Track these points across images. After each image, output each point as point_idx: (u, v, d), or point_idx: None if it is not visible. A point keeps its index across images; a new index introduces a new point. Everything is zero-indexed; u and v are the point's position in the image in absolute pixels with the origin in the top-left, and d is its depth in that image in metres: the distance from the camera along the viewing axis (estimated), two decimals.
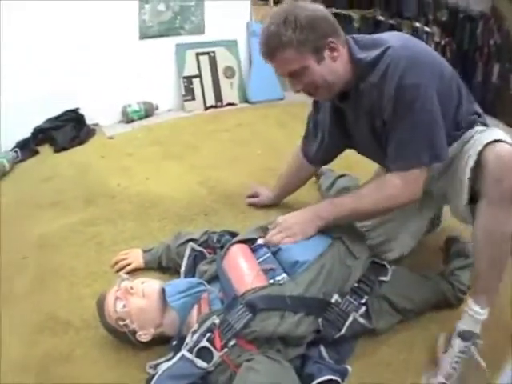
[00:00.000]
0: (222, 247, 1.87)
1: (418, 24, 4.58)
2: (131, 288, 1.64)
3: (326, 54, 1.67)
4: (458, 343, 1.59)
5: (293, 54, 1.65)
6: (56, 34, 3.71)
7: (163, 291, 1.63)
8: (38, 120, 3.82)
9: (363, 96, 1.74)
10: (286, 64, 1.69)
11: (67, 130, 3.80)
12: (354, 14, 5.24)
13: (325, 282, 1.61)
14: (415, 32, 4.57)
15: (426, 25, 4.60)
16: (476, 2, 4.30)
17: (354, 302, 1.65)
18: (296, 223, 1.78)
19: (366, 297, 1.67)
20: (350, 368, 1.54)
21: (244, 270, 1.66)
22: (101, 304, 1.68)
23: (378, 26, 5.01)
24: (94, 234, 2.43)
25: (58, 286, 2.10)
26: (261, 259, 1.70)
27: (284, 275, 1.63)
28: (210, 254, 1.94)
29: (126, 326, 1.61)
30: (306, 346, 1.56)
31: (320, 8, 1.69)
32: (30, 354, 1.77)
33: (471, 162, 1.54)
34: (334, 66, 1.69)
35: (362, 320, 1.65)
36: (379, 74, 1.65)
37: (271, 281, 1.61)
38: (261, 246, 1.76)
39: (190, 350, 1.46)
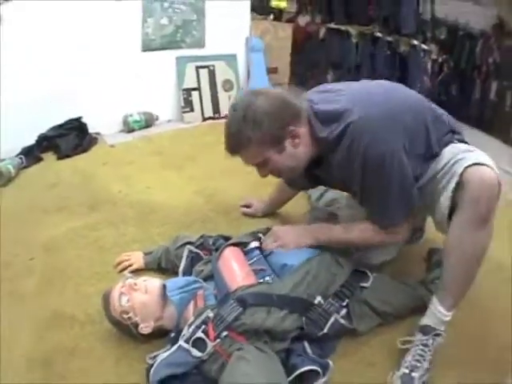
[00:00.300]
0: (216, 249, 2.03)
1: (415, 42, 4.60)
2: (135, 284, 1.80)
3: (288, 142, 1.78)
4: (419, 336, 1.73)
5: (254, 150, 1.78)
6: (62, 45, 3.84)
7: (164, 287, 1.79)
8: (42, 128, 3.92)
9: (332, 167, 1.85)
10: (249, 158, 1.84)
11: (70, 138, 3.89)
12: (353, 30, 5.27)
13: (309, 284, 1.77)
14: (413, 48, 4.63)
15: (424, 42, 4.62)
16: (477, 21, 4.35)
17: (336, 304, 1.79)
18: (290, 235, 1.95)
19: (347, 300, 1.82)
20: (331, 362, 1.66)
21: (236, 270, 1.82)
22: (106, 299, 1.83)
23: (376, 43, 5.06)
24: (97, 238, 2.55)
25: (64, 285, 2.23)
26: (252, 261, 1.88)
27: (273, 276, 1.80)
28: (205, 255, 2.10)
29: (129, 318, 1.76)
30: (290, 341, 1.70)
31: (279, 95, 1.79)
32: (38, 348, 1.90)
33: (453, 184, 1.63)
34: (295, 152, 1.81)
35: (342, 321, 1.79)
36: (344, 150, 1.73)
37: (261, 280, 1.77)
38: (253, 249, 1.93)
39: (187, 341, 1.61)
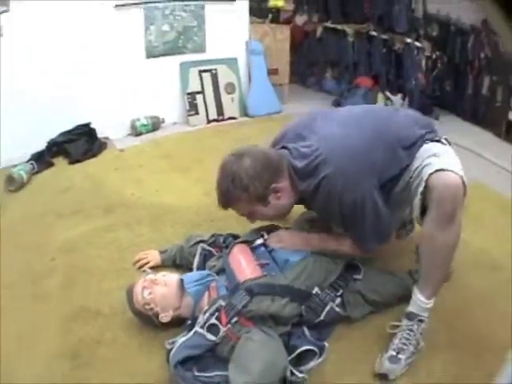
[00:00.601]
0: (226, 247, 2.25)
1: (409, 40, 4.71)
2: (155, 279, 2.03)
3: (271, 197, 2.04)
4: (405, 322, 1.92)
5: (242, 207, 2.07)
6: (70, 53, 3.98)
7: (181, 281, 2.02)
8: (50, 134, 4.03)
9: (313, 207, 2.17)
10: (238, 211, 2.13)
11: (80, 144, 4.00)
12: (349, 29, 5.39)
13: (308, 277, 1.99)
14: (407, 46, 4.75)
15: (417, 40, 4.71)
16: (467, 16, 4.42)
17: (331, 294, 2.02)
18: (291, 239, 2.17)
19: (341, 290, 2.04)
20: (327, 344, 1.90)
21: (244, 265, 2.04)
22: (130, 292, 2.05)
23: (371, 41, 5.19)
24: (115, 238, 2.73)
25: (86, 283, 2.41)
26: (258, 256, 2.09)
27: (276, 269, 2.02)
28: (217, 252, 2.32)
29: (151, 309, 1.98)
30: (292, 326, 1.93)
31: (261, 156, 2.02)
32: (65, 341, 2.08)
33: (421, 188, 1.82)
34: (279, 203, 2.07)
35: (337, 309, 2.02)
36: (321, 199, 1.97)
37: (265, 273, 1.99)
38: (259, 245, 2.14)
39: (202, 326, 1.84)
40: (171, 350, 1.83)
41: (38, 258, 2.64)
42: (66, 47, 3.98)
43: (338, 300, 2.02)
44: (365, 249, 2.07)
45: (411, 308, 1.93)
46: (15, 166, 3.65)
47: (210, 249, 2.35)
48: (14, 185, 3.48)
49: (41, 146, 3.99)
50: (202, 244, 2.36)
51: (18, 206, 3.27)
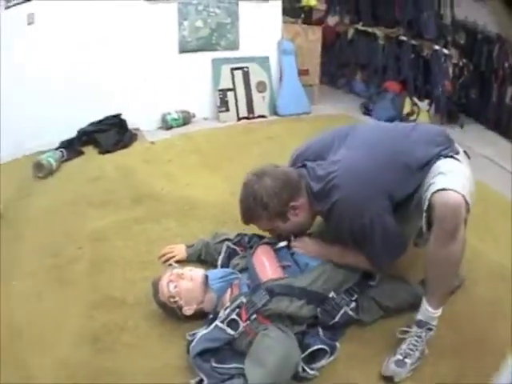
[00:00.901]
0: (251, 247, 2.35)
1: (437, 46, 4.72)
2: (182, 274, 2.12)
3: (290, 214, 2.14)
4: (414, 329, 1.98)
5: (263, 223, 2.19)
6: (104, 45, 4.13)
7: (206, 277, 2.10)
8: (80, 122, 4.13)
9: (328, 226, 2.24)
10: (259, 227, 2.26)
11: (111, 134, 4.09)
12: (379, 32, 5.42)
13: (325, 281, 2.07)
14: (435, 52, 4.76)
15: (445, 47, 4.74)
16: (493, 23, 4.44)
17: (347, 299, 2.10)
18: (313, 247, 2.23)
19: (356, 296, 2.12)
20: (338, 344, 1.99)
21: (266, 265, 2.12)
22: (156, 285, 2.14)
23: (400, 46, 5.20)
24: (142, 231, 2.80)
25: (112, 272, 2.49)
26: (281, 257, 2.17)
27: (297, 271, 2.11)
28: (241, 251, 2.41)
29: (175, 302, 2.08)
30: (307, 326, 2.02)
31: (281, 176, 2.13)
32: (87, 325, 2.17)
33: (425, 206, 1.89)
34: (297, 220, 2.17)
35: (351, 312, 2.09)
36: (334, 220, 2.08)
37: (286, 275, 2.07)
38: (282, 247, 2.21)
39: (222, 321, 1.92)
40: (191, 341, 1.93)
41: (66, 245, 2.71)
42: (99, 38, 4.10)
43: (353, 304, 2.10)
44: (377, 267, 2.16)
45: (420, 316, 1.99)
46: (43, 152, 3.72)
47: (235, 247, 2.44)
48: (43, 171, 3.55)
49: (69, 134, 4.07)
50: (227, 242, 2.45)
51: (47, 193, 3.34)
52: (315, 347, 1.94)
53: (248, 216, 2.18)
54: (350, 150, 2.10)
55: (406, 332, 1.99)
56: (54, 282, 2.43)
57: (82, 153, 3.96)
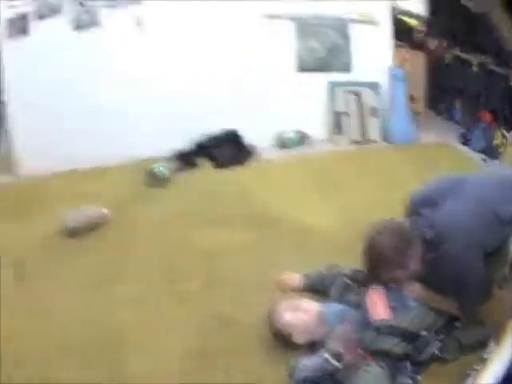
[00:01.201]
0: (364, 284, 2.44)
1: None
2: (299, 305, 2.31)
3: (407, 262, 2.28)
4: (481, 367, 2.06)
5: (386, 275, 2.29)
6: (223, 60, 4.33)
7: (322, 312, 2.28)
8: (193, 134, 4.28)
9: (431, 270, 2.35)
10: (381, 276, 2.33)
11: (227, 149, 4.19)
12: (474, 59, 5.19)
13: (420, 322, 2.22)
14: None
15: None
16: None
17: (434, 338, 2.23)
18: (421, 294, 2.37)
19: (442, 336, 2.25)
20: (420, 377, 2.15)
21: (378, 306, 2.26)
22: (272, 312, 2.32)
23: (491, 74, 5.00)
24: (258, 253, 2.89)
25: (225, 292, 2.62)
26: (390, 297, 2.31)
27: (401, 312, 2.26)
28: (356, 287, 2.50)
29: (288, 330, 2.24)
30: (397, 360, 2.15)
31: (398, 229, 2.30)
32: (198, 342, 2.33)
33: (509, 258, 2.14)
34: (413, 266, 2.29)
35: (437, 351, 2.22)
36: (439, 267, 2.23)
37: (393, 315, 2.22)
38: (391, 288, 2.34)
39: (330, 353, 2.08)
40: (294, 367, 2.10)
41: (179, 259, 2.85)
42: (219, 53, 4.30)
43: (440, 344, 2.23)
44: (468, 315, 2.31)
45: (487, 356, 2.05)
46: (154, 159, 3.88)
47: (350, 282, 2.53)
48: (156, 180, 3.71)
49: (181, 144, 4.22)
50: (343, 277, 2.56)
51: (160, 203, 3.50)
52: (402, 381, 2.09)
53: (372, 271, 2.33)
54: (459, 202, 2.28)
55: (475, 370, 2.06)
56: (166, 293, 2.59)
57: (195, 165, 4.07)
